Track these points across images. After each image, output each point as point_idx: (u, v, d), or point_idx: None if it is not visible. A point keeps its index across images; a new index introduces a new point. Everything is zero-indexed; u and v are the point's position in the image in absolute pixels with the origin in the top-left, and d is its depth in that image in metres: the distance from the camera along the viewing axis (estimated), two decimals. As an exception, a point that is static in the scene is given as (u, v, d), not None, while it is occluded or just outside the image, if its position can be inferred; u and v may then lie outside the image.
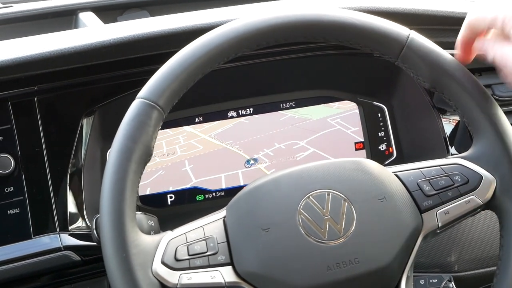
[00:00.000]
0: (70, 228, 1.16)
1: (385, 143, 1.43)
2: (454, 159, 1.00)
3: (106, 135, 1.23)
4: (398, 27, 0.99)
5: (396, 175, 0.99)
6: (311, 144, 1.39)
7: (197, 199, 1.35)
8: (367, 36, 0.96)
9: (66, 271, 1.18)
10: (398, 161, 1.41)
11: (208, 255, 0.91)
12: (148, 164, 1.29)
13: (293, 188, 0.95)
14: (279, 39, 0.96)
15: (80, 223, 1.18)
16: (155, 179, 1.33)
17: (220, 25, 0.96)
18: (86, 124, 1.20)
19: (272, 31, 0.95)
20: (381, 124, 1.43)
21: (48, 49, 1.13)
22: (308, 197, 0.94)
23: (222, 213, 0.95)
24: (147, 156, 0.90)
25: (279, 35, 0.95)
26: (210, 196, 1.35)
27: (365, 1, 1.33)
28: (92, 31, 1.23)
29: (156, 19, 1.29)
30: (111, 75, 1.21)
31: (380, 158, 1.42)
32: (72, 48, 1.14)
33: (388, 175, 0.98)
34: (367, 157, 1.41)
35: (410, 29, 0.99)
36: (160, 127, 0.92)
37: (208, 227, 0.93)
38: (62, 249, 1.14)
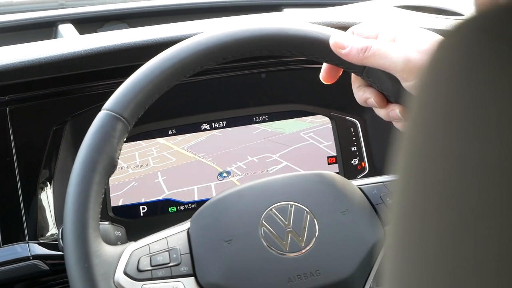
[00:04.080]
0: (39, 237, 1.17)
1: (358, 158, 1.44)
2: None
3: (77, 145, 1.22)
4: (362, 42, 1.00)
5: (360, 188, 1.00)
6: (284, 157, 1.40)
7: (170, 210, 1.35)
8: (332, 51, 0.97)
9: (35, 280, 1.18)
10: (371, 175, 1.42)
11: (170, 266, 0.91)
12: (121, 176, 1.32)
13: (256, 200, 0.96)
14: (244, 53, 0.97)
15: (49, 232, 1.19)
16: (127, 191, 1.34)
17: (188, 38, 0.96)
18: (58, 135, 1.21)
19: (237, 44, 0.95)
20: (354, 138, 1.44)
21: (19, 59, 1.14)
22: (271, 209, 0.95)
23: (186, 224, 0.96)
24: (111, 167, 0.91)
25: (245, 48, 0.96)
26: (182, 208, 1.36)
27: (333, 16, 1.34)
28: (65, 42, 1.24)
29: (130, 31, 1.30)
30: (83, 86, 1.22)
31: (353, 172, 1.43)
32: (43, 58, 1.15)
33: (351, 188, 0.99)
34: (340, 172, 1.42)
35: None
36: (125, 139, 0.93)
37: (172, 238, 0.94)
38: (31, 258, 1.14)
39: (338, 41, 0.95)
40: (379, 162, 1.43)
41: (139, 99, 0.92)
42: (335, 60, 0.98)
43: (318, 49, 0.97)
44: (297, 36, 0.96)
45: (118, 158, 0.92)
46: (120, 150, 0.92)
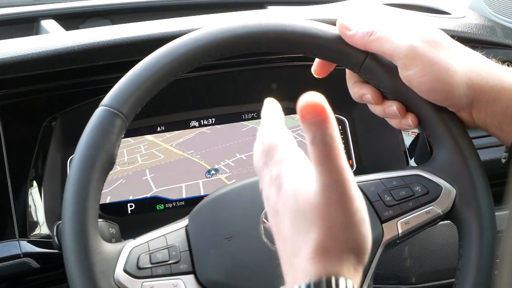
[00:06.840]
0: (29, 235, 1.15)
1: (346, 156, 1.43)
2: (415, 170, 1.01)
3: (67, 142, 1.22)
4: (361, 38, 0.99)
5: (357, 186, 1.00)
6: (272, 155, 1.40)
7: (157, 208, 1.35)
8: (330, 48, 0.97)
9: (24, 279, 1.16)
10: (358, 173, 1.42)
11: (170, 264, 0.90)
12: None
13: (256, 197, 0.95)
14: (243, 49, 0.96)
15: (40, 230, 1.17)
16: (115, 188, 1.32)
17: (184, 34, 0.96)
18: (48, 131, 1.20)
19: (236, 41, 0.94)
20: (342, 136, 1.44)
21: (10, 55, 1.13)
22: (271, 206, 0.94)
23: (184, 221, 0.95)
24: (110, 164, 0.90)
25: (244, 45, 0.95)
26: (170, 205, 1.35)
27: (323, 13, 1.34)
28: (54, 37, 1.22)
29: (119, 27, 1.29)
30: (73, 82, 1.21)
31: (340, 170, 1.42)
32: (34, 54, 1.13)
33: (349, 185, 0.99)
34: (328, 169, 1.41)
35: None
36: (123, 135, 0.92)
37: (171, 235, 0.93)
38: (21, 256, 1.13)
39: (345, 22, 0.95)
40: (367, 160, 1.44)
41: (137, 95, 0.91)
42: (332, 56, 0.98)
43: (316, 46, 0.97)
44: (295, 32, 0.96)
45: (116, 155, 0.91)
46: (119, 146, 0.91)
